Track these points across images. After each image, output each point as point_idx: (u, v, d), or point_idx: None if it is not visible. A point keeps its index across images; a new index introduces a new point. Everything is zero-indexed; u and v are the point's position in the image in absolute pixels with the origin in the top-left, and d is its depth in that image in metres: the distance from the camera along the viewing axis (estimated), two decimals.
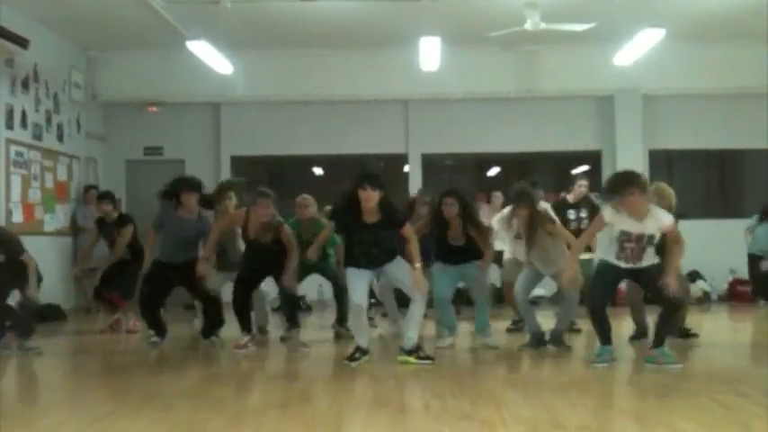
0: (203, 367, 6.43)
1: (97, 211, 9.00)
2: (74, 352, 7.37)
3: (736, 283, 11.78)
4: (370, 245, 6.14)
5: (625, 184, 5.72)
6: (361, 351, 6.14)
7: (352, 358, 6.08)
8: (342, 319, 7.88)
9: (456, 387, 5.14)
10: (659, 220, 5.80)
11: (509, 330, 8.16)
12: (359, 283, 6.13)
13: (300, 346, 7.08)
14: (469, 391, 5.02)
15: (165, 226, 7.43)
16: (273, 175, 13.27)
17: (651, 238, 5.82)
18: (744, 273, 11.62)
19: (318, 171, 13.18)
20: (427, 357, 6.11)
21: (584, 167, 12.44)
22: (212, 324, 7.43)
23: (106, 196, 8.76)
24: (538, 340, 6.84)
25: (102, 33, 11.06)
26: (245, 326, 7.07)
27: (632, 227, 5.79)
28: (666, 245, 5.96)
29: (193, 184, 7.50)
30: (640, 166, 9.91)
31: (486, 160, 13.38)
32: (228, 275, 7.64)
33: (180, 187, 7.42)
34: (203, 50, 10.07)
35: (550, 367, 6.28)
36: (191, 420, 4.30)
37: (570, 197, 8.38)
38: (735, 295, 11.66)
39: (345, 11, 9.99)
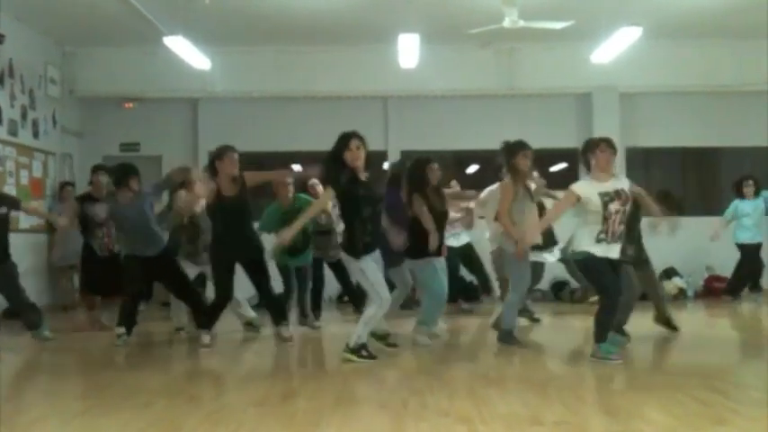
0: (182, 364, 6.40)
1: (91, 184, 8.81)
2: (51, 349, 7.29)
3: (712, 279, 11.88)
4: (375, 210, 6.00)
5: (597, 141, 6.07)
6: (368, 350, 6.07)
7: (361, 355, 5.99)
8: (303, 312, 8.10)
9: (434, 383, 5.15)
10: (624, 179, 6.00)
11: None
12: (381, 278, 6.02)
13: (286, 341, 7.06)
14: (448, 388, 5.03)
15: (116, 218, 7.47)
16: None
17: (627, 198, 5.82)
18: (721, 269, 11.75)
19: (297, 168, 13.13)
20: (369, 356, 6.00)
21: (563, 165, 12.49)
22: (204, 314, 7.35)
23: (102, 168, 8.69)
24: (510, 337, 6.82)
25: (78, 28, 10.95)
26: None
27: (610, 186, 5.82)
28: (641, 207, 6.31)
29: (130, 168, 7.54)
30: (618, 163, 9.95)
31: (466, 157, 13.40)
32: (200, 265, 7.69)
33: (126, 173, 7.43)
34: (181, 46, 10.01)
35: (528, 363, 6.30)
36: (168, 418, 4.27)
37: None
38: (711, 292, 11.76)
39: (324, 6, 9.97)
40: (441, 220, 6.96)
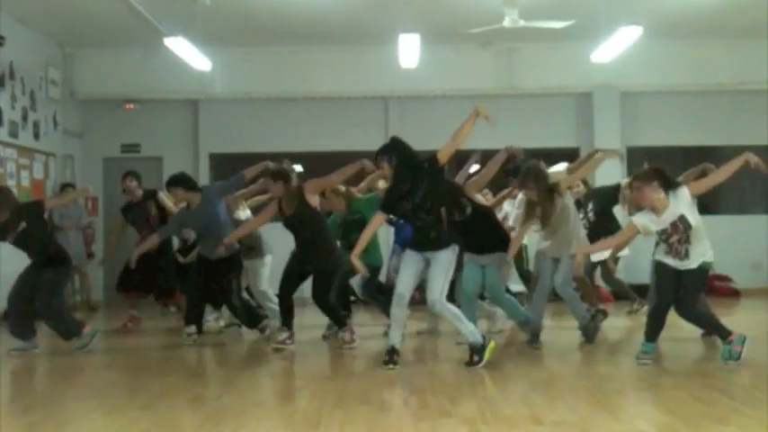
0: (184, 366, 6.39)
1: (123, 191, 8.70)
2: (53, 351, 7.29)
3: (713, 278, 11.86)
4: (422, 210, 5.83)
5: (632, 179, 5.91)
6: (398, 353, 5.88)
7: (390, 361, 5.77)
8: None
9: (436, 384, 5.15)
10: (679, 198, 5.67)
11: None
12: (405, 272, 5.92)
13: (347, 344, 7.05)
14: (449, 388, 5.03)
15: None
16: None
17: (683, 219, 5.66)
18: (721, 268, 11.73)
19: (298, 168, 13.14)
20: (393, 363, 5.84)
21: (563, 165, 12.47)
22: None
23: (130, 173, 8.63)
24: (536, 337, 6.82)
25: (79, 30, 10.95)
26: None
27: (661, 223, 5.69)
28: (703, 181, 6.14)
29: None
30: (618, 163, 9.95)
31: (466, 157, 13.38)
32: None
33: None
34: (181, 47, 10.00)
35: (529, 363, 6.30)
36: (170, 419, 4.27)
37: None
38: (712, 290, 11.74)
39: (325, 7, 9.96)
40: None
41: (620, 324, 8.51)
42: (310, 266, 6.95)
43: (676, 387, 4.90)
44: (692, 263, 5.79)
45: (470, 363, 5.74)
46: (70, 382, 5.82)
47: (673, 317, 7.66)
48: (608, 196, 8.62)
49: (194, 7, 9.37)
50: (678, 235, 5.70)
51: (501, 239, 6.87)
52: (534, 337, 6.83)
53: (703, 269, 5.82)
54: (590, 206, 8.39)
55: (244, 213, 8.29)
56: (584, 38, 10.58)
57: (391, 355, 5.77)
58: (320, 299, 6.94)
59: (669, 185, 5.69)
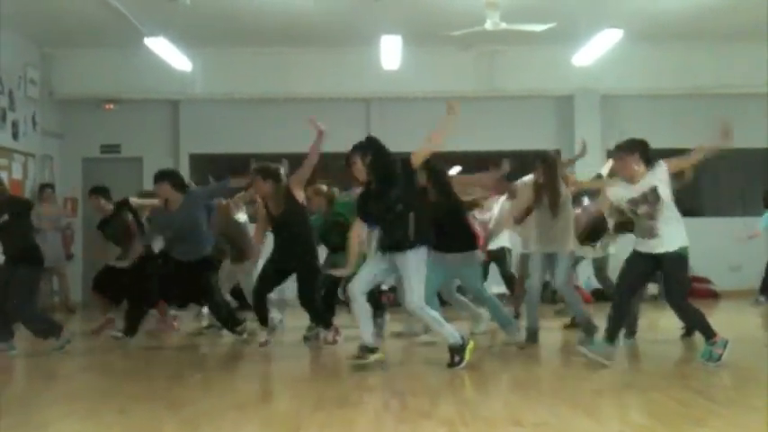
0: (161, 369, 6.34)
1: (95, 209, 8.47)
2: (28, 354, 7.22)
3: (692, 280, 11.93)
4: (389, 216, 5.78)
5: (616, 149, 5.96)
6: (369, 350, 5.82)
7: (360, 358, 5.78)
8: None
9: (416, 385, 5.14)
10: (656, 173, 5.74)
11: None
12: (364, 270, 5.91)
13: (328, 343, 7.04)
14: (429, 390, 5.02)
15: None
16: (233, 174, 13.14)
17: (654, 191, 5.69)
18: (699, 270, 11.82)
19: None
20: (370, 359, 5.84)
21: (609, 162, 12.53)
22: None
23: (95, 190, 8.33)
24: (534, 336, 6.86)
25: (57, 30, 10.86)
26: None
27: (633, 191, 5.75)
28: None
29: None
30: (599, 165, 9.99)
31: (447, 159, 13.40)
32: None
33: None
34: (162, 47, 9.96)
35: (509, 365, 6.30)
36: (145, 423, 4.24)
37: None
38: (691, 292, 11.76)
39: (306, 8, 9.94)
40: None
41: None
42: (296, 264, 6.92)
43: (654, 388, 4.92)
44: (666, 244, 5.72)
45: (451, 364, 5.73)
46: (46, 385, 5.76)
47: (654, 317, 7.71)
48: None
49: (175, 7, 9.32)
50: (647, 206, 5.71)
51: (469, 238, 6.78)
52: (532, 337, 6.85)
53: (682, 255, 5.75)
54: (584, 201, 8.40)
55: (243, 216, 8.28)
56: (565, 41, 10.63)
57: (362, 353, 5.77)
58: (307, 298, 6.93)
59: (649, 160, 5.78)
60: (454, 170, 13.62)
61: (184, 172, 12.03)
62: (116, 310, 8.33)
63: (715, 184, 13.01)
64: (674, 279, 5.83)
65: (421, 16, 10.17)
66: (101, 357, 6.97)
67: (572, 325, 7.83)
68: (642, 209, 5.72)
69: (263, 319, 7.06)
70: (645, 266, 5.83)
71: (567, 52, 10.85)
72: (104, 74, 11.92)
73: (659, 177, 5.72)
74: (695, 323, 6.13)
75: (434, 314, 5.89)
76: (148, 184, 10.59)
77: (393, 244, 5.74)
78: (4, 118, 10.58)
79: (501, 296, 10.35)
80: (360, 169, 5.84)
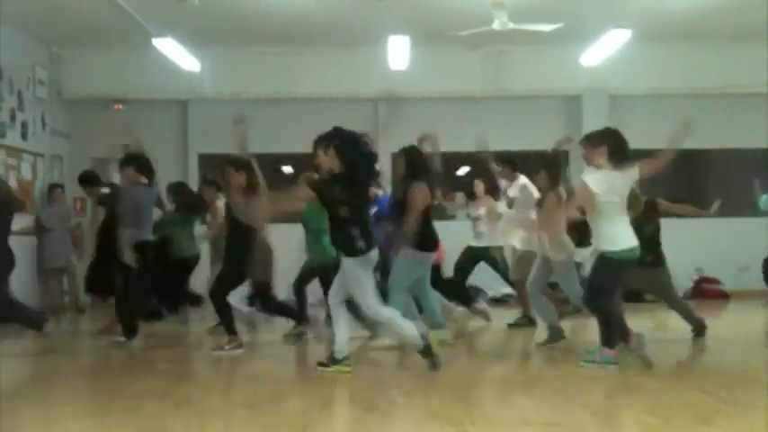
0: (170, 367, 6.36)
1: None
2: (38, 353, 7.25)
3: (702, 281, 11.92)
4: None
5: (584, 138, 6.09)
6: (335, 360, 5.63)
7: (323, 364, 5.64)
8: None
9: (424, 385, 5.14)
10: (623, 175, 5.76)
11: (510, 326, 8.07)
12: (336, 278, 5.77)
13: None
14: (438, 390, 5.02)
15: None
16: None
17: None
18: (709, 271, 11.80)
19: (288, 170, 13.13)
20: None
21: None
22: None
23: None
24: (557, 334, 6.78)
25: (66, 30, 10.90)
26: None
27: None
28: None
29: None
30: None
31: (455, 159, 13.41)
32: None
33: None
34: (170, 47, 9.99)
35: (518, 365, 6.32)
36: (155, 421, 4.25)
37: None
38: (701, 293, 11.80)
39: (314, 9, 9.96)
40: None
41: None
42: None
43: (664, 389, 4.91)
44: (597, 244, 5.68)
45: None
46: (54, 383, 5.78)
47: (663, 317, 7.70)
48: None
49: (183, 8, 9.34)
50: None
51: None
52: (556, 334, 6.75)
53: (603, 257, 5.60)
54: None
55: None
56: (573, 41, 10.61)
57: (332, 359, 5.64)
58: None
59: (622, 157, 5.84)
60: (462, 171, 13.67)
61: (193, 172, 12.09)
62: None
63: (723, 185, 12.95)
64: (589, 278, 5.82)
65: (428, 16, 10.17)
66: (108, 356, 6.99)
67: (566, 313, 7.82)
68: None
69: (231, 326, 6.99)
70: None
71: (574, 52, 10.83)
72: (113, 74, 11.94)
73: (622, 181, 5.73)
74: (608, 326, 6.02)
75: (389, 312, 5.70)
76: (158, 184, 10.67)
77: (338, 246, 5.66)
78: (14, 118, 10.63)
79: (508, 297, 10.42)
80: (323, 159, 5.79)
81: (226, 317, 6.85)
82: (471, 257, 8.81)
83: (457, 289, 8.64)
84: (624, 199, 5.71)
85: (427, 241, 6.55)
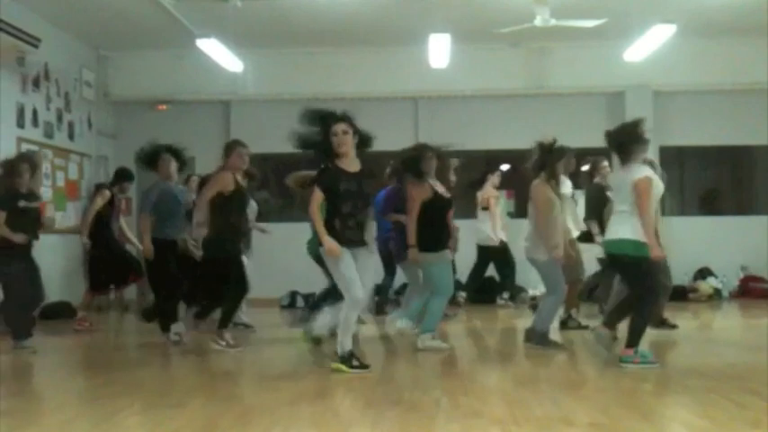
0: (213, 364, 6.44)
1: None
2: (83, 348, 7.39)
3: (747, 279, 11.73)
4: (355, 204, 5.58)
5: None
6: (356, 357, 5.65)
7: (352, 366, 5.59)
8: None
9: (467, 385, 5.14)
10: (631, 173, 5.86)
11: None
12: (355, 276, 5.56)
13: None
14: (480, 389, 5.02)
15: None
16: (283, 173, 13.24)
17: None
18: (756, 269, 11.59)
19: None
20: (361, 366, 5.61)
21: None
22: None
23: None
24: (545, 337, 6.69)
25: (112, 32, 11.08)
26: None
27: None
28: None
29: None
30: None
31: (496, 157, 13.35)
32: None
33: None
34: (213, 48, 10.08)
35: (560, 365, 6.27)
36: (202, 417, 4.31)
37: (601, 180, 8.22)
38: (746, 292, 11.61)
39: (355, 8, 9.98)
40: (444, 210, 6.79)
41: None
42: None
43: (710, 390, 4.84)
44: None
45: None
46: (104, 379, 5.88)
47: (709, 317, 7.58)
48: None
49: (226, 9, 9.44)
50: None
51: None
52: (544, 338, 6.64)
53: (619, 251, 5.69)
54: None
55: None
56: (616, 36, 10.49)
57: (348, 359, 5.60)
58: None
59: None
60: (503, 168, 13.58)
61: None
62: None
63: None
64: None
65: (469, 14, 10.13)
66: (156, 352, 7.09)
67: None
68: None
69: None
70: None
71: (617, 48, 10.71)
72: (157, 75, 12.13)
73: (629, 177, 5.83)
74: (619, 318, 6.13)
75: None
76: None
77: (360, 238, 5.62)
78: (61, 119, 10.83)
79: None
80: (347, 140, 5.69)
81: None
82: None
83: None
84: None
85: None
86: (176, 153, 7.71)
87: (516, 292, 10.71)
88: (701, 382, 5.24)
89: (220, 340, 6.76)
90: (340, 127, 5.63)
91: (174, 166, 7.62)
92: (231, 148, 7.06)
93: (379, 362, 6.40)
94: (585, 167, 8.32)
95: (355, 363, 5.58)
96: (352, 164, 5.68)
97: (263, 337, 7.99)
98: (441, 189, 6.76)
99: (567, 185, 7.84)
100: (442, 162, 6.89)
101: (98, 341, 7.21)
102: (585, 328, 7.69)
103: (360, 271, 5.56)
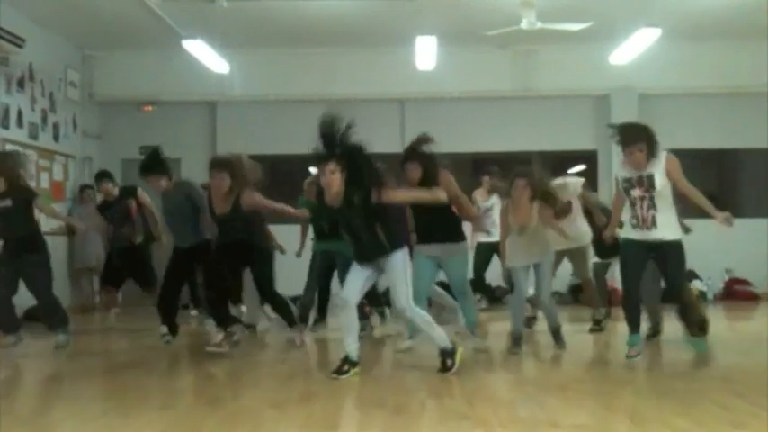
0: (199, 366, 6.41)
1: (99, 192, 9.29)
2: (71, 351, 7.33)
3: (732, 282, 11.80)
4: (350, 235, 5.52)
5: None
6: (350, 362, 5.57)
7: (339, 371, 5.51)
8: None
9: (453, 387, 5.14)
10: (658, 162, 5.79)
11: (592, 330, 7.84)
12: (352, 278, 5.60)
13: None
14: (466, 391, 5.02)
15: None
16: (270, 175, 13.22)
17: (650, 177, 5.73)
18: (741, 272, 11.67)
19: (315, 170, 13.16)
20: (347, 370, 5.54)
21: (581, 167, 12.45)
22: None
23: (105, 175, 9.01)
24: (517, 342, 6.64)
25: (98, 32, 11.03)
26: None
27: (631, 172, 5.81)
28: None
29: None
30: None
31: (483, 160, 13.37)
32: None
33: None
34: (199, 49, 10.07)
35: (547, 367, 6.29)
36: (187, 420, 4.29)
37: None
38: (731, 295, 11.68)
39: (341, 9, 9.99)
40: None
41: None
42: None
43: (696, 392, 4.86)
44: (664, 232, 5.77)
45: (443, 368, 5.53)
46: (88, 382, 5.85)
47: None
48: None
49: (212, 9, 9.42)
50: (641, 190, 5.74)
51: (457, 228, 6.57)
52: (515, 342, 6.61)
53: (681, 244, 5.81)
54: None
55: None
56: (601, 40, 10.54)
57: (342, 365, 5.53)
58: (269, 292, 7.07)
59: (653, 151, 5.88)
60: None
61: None
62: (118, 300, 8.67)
63: (755, 185, 12.81)
64: (675, 267, 5.88)
65: (456, 16, 10.15)
66: (141, 355, 7.06)
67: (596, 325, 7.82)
68: (636, 192, 5.79)
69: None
70: (642, 257, 5.89)
71: (603, 51, 10.77)
72: (143, 76, 12.08)
73: (658, 167, 5.77)
74: (692, 317, 6.15)
75: (425, 315, 5.68)
76: None
77: (368, 254, 5.50)
78: (46, 120, 10.77)
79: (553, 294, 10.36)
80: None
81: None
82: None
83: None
84: None
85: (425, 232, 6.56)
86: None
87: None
88: (686, 384, 5.27)
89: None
90: (329, 167, 5.56)
91: None
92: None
93: (365, 364, 6.39)
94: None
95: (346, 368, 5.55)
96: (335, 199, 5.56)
97: (250, 339, 7.96)
98: None
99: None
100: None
101: (83, 343, 7.16)
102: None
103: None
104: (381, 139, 12.95)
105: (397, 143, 12.32)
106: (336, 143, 5.54)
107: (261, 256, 7.06)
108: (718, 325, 9.09)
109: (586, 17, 9.20)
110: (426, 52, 10.31)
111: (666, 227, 5.77)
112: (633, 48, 10.12)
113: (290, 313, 7.25)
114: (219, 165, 6.83)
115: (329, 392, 5.04)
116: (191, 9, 9.60)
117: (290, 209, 7.20)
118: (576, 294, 11.32)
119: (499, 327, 8.00)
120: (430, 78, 11.40)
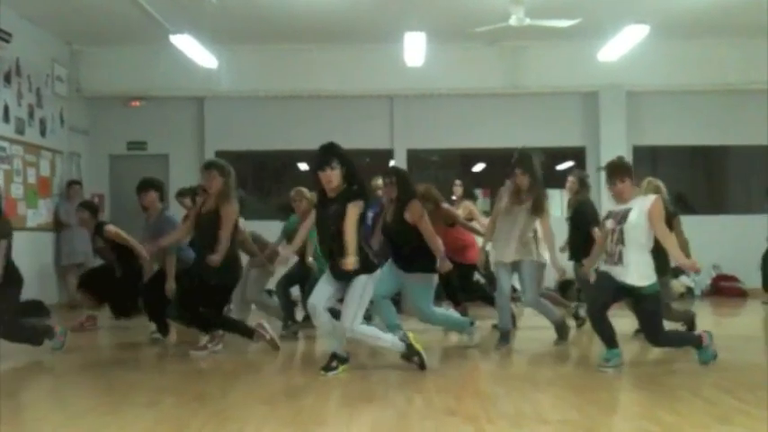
0: (187, 363, 6.39)
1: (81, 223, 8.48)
2: (55, 348, 7.28)
3: (719, 278, 11.86)
4: (329, 234, 5.46)
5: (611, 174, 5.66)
6: (339, 359, 5.57)
7: (328, 368, 5.50)
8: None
9: (441, 383, 5.15)
10: (643, 201, 5.60)
11: (579, 327, 7.89)
12: (321, 284, 5.61)
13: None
14: (454, 387, 5.03)
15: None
16: (258, 171, 13.23)
17: (626, 213, 5.51)
18: (728, 268, 11.74)
19: (304, 166, 13.15)
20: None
21: (569, 163, 12.48)
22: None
23: (83, 205, 8.28)
24: (506, 338, 6.71)
25: (85, 27, 10.97)
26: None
27: (616, 206, 5.72)
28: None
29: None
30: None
31: (472, 156, 13.41)
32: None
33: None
34: (187, 44, 10.03)
35: (535, 363, 6.30)
36: (175, 416, 4.27)
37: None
38: (718, 291, 11.74)
39: (330, 6, 9.97)
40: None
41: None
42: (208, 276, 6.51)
43: (682, 387, 4.89)
44: (633, 276, 5.48)
45: (422, 367, 5.56)
46: (74, 379, 5.83)
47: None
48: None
49: (201, 5, 9.38)
50: (614, 223, 5.58)
51: (429, 259, 6.58)
52: (504, 338, 6.66)
53: (655, 293, 5.53)
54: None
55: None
56: (590, 36, 10.57)
57: (330, 361, 5.54)
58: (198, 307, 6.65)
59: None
60: (478, 168, 13.65)
61: None
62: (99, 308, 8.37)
63: (742, 181, 12.89)
64: (648, 316, 5.63)
65: (445, 13, 10.16)
66: (128, 352, 7.05)
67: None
68: (609, 224, 5.65)
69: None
70: (608, 286, 5.61)
71: (592, 48, 10.79)
72: (131, 71, 12.03)
73: (639, 206, 5.53)
74: (681, 343, 5.95)
75: (370, 331, 5.67)
76: (174, 181, 10.75)
77: (339, 271, 5.42)
78: (32, 115, 10.71)
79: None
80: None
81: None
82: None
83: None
84: None
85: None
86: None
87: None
88: (672, 379, 5.30)
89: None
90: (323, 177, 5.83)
91: None
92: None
93: (353, 361, 6.39)
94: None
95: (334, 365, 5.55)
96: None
97: (235, 336, 7.94)
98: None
99: None
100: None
101: (68, 340, 7.11)
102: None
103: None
104: (371, 135, 13.09)
105: (386, 139, 12.39)
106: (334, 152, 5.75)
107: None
108: (704, 321, 9.14)
109: (575, 14, 9.22)
110: (415, 48, 10.31)
111: (636, 270, 5.47)
112: (621, 45, 10.15)
113: (243, 330, 6.95)
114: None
115: (317, 389, 5.04)
116: (178, 4, 9.57)
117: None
118: (564, 291, 11.33)
119: (487, 323, 8.01)
120: (419, 75, 11.40)
